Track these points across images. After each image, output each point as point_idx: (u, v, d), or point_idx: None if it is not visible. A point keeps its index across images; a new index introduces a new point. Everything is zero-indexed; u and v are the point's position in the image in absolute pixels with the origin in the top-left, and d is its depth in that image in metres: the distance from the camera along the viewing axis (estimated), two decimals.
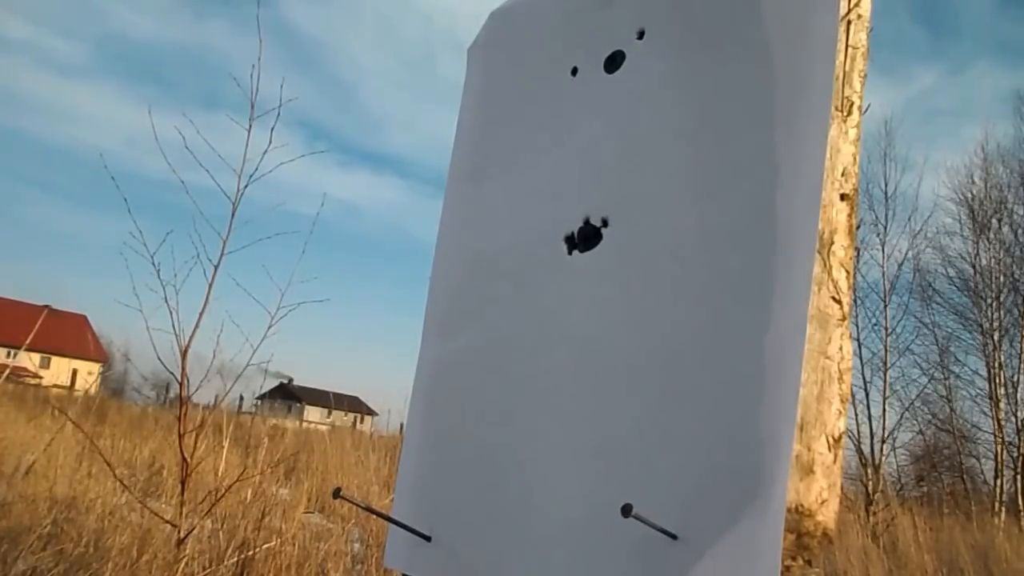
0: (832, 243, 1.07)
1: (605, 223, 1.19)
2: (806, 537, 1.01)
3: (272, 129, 3.77)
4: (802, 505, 0.99)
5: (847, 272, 1.08)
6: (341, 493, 1.21)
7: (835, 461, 1.03)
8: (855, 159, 1.12)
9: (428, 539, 1.24)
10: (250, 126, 3.72)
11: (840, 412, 1.05)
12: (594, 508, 1.04)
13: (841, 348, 1.06)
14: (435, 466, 1.30)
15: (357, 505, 1.30)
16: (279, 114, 3.79)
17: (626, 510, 0.90)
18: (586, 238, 1.21)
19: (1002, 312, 16.67)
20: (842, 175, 1.10)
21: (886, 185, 15.35)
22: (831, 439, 1.03)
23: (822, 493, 1.01)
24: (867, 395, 14.20)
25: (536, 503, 1.12)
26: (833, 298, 1.07)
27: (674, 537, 0.94)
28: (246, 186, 3.69)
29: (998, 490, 15.49)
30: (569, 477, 1.09)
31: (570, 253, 1.22)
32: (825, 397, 1.03)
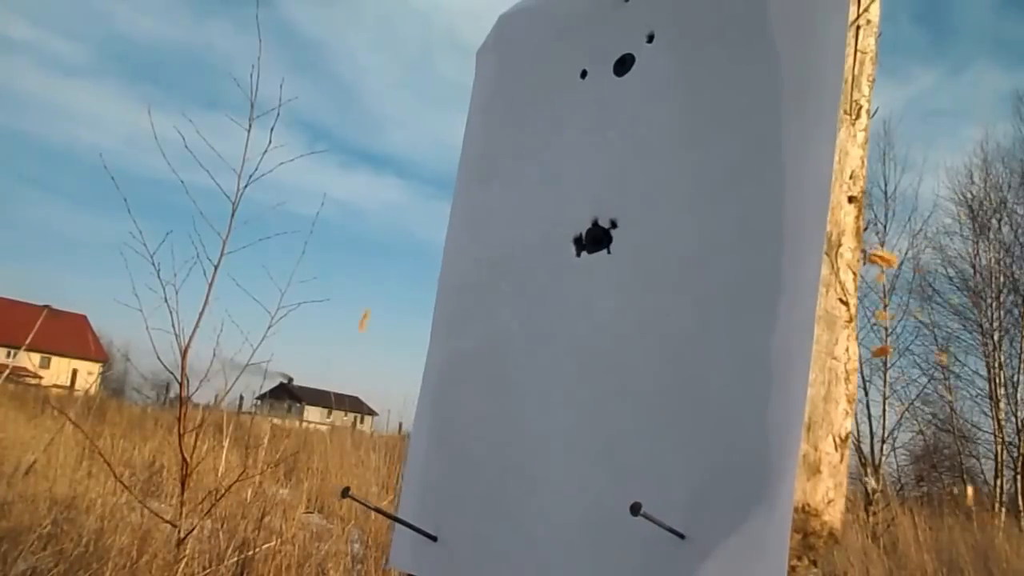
0: (840, 245, 1.08)
1: (614, 225, 1.19)
2: (812, 537, 1.01)
3: (272, 129, 3.77)
4: (808, 505, 1.00)
5: (854, 274, 1.09)
6: (350, 493, 1.22)
7: (842, 461, 1.04)
8: (863, 162, 1.12)
9: (434, 539, 1.24)
10: (250, 126, 3.73)
11: (847, 412, 1.05)
12: (601, 508, 1.04)
13: (848, 349, 1.06)
14: (442, 466, 1.30)
15: (365, 505, 1.31)
16: (279, 114, 3.80)
17: (635, 508, 0.91)
18: (595, 239, 1.21)
19: (1002, 312, 16.67)
20: (850, 178, 1.10)
21: (886, 185, 15.36)
22: (838, 439, 1.04)
23: (828, 493, 1.02)
24: (867, 395, 14.20)
25: (543, 503, 1.12)
26: (840, 300, 1.07)
27: (681, 536, 0.95)
28: (246, 186, 3.69)
29: (998, 490, 15.50)
30: (576, 477, 1.09)
31: (579, 254, 1.23)
32: (832, 397, 1.04)
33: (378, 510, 1.30)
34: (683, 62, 1.19)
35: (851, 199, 1.10)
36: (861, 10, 1.13)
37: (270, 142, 3.75)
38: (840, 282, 1.07)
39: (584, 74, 1.33)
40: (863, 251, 1.13)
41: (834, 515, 1.02)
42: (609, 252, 1.19)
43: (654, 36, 1.25)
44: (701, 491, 0.96)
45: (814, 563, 1.03)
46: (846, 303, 1.07)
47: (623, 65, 1.27)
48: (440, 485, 1.29)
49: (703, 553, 0.93)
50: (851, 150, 1.11)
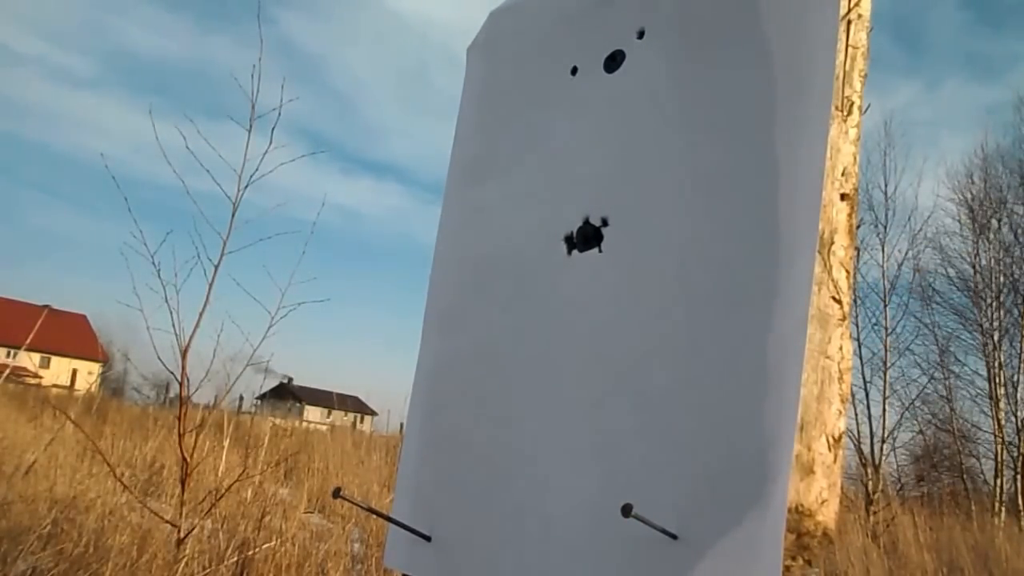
0: (832, 243, 1.07)
1: (605, 223, 1.19)
2: (806, 537, 1.01)
3: (273, 128, 3.78)
4: (802, 505, 0.99)
5: (847, 272, 1.08)
6: (341, 493, 1.21)
7: (835, 461, 1.03)
8: (855, 159, 1.12)
9: (428, 539, 1.24)
10: (251, 126, 3.73)
11: (840, 412, 1.05)
12: (594, 508, 1.04)
13: (841, 348, 1.06)
14: (435, 466, 1.30)
15: (357, 505, 1.30)
16: (280, 113, 3.80)
17: (626, 510, 0.90)
18: (585, 238, 1.21)
19: (1002, 312, 16.66)
20: (842, 175, 1.09)
21: (886, 185, 15.37)
22: (831, 439, 1.03)
23: (822, 493, 1.01)
24: (867, 395, 14.21)
25: (536, 503, 1.12)
26: (833, 298, 1.06)
27: (674, 537, 0.94)
28: (246, 186, 3.70)
29: (998, 490, 15.49)
30: (569, 477, 1.09)
31: (569, 253, 1.22)
32: (825, 397, 1.03)
33: (371, 510, 1.30)
34: (674, 59, 1.18)
35: (843, 196, 1.09)
36: (852, 4, 1.12)
37: (271, 142, 3.76)
38: (833, 280, 1.06)
39: (575, 71, 1.33)
40: (856, 249, 1.12)
41: (828, 515, 1.02)
42: (600, 251, 1.18)
43: (644, 33, 1.24)
44: (695, 491, 0.96)
45: (809, 563, 1.03)
46: (839, 301, 1.07)
47: (613, 62, 1.27)
48: (433, 485, 1.28)
49: (697, 554, 0.93)
50: (843, 147, 1.10)
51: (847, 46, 1.12)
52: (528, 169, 1.34)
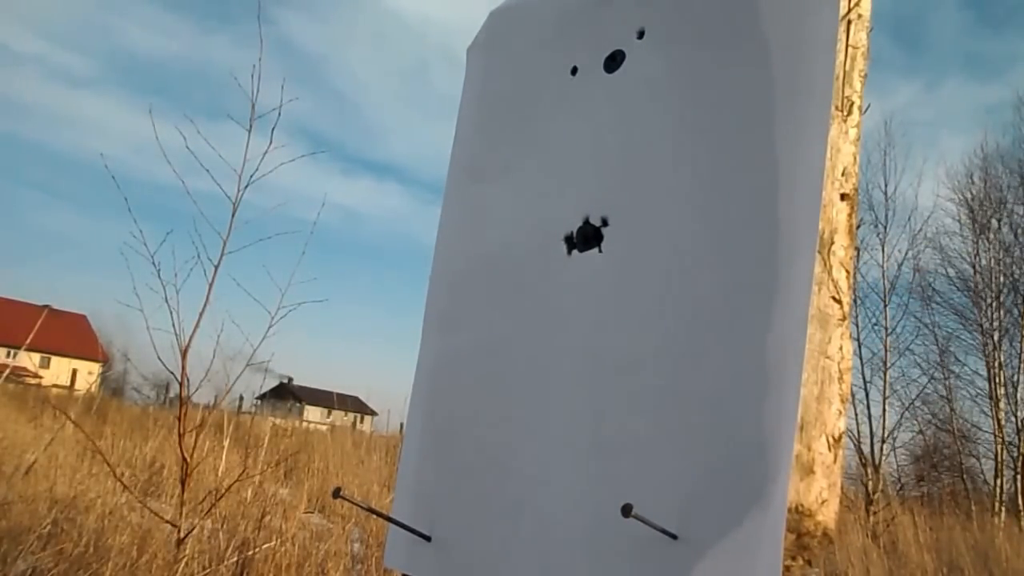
0: (832, 243, 1.07)
1: (605, 223, 1.19)
2: (806, 537, 1.01)
3: (273, 128, 3.78)
4: (802, 505, 0.99)
5: (847, 272, 1.08)
6: (341, 493, 1.21)
7: (835, 461, 1.03)
8: (855, 159, 1.12)
9: (428, 539, 1.24)
10: (251, 126, 3.73)
11: (840, 412, 1.05)
12: (594, 508, 1.04)
13: (841, 348, 1.06)
14: (435, 465, 1.30)
15: (357, 505, 1.30)
16: (280, 113, 3.80)
17: (626, 510, 0.90)
18: (585, 238, 1.21)
19: (1002, 312, 16.66)
20: (842, 175, 1.10)
21: (886, 185, 15.38)
22: (831, 439, 1.03)
23: (822, 493, 1.01)
24: (867, 395, 14.22)
25: (536, 503, 1.12)
26: (833, 298, 1.07)
27: (674, 537, 0.94)
28: (247, 186, 3.70)
29: (998, 490, 15.49)
30: (569, 477, 1.09)
31: (569, 253, 1.22)
32: (825, 397, 1.03)
33: (371, 510, 1.30)
34: (674, 58, 1.18)
35: (843, 196, 1.09)
36: (852, 4, 1.12)
37: (271, 142, 3.76)
38: (833, 280, 1.07)
39: (575, 71, 1.33)
40: (856, 249, 1.12)
41: (828, 515, 1.02)
42: (600, 251, 1.18)
43: (644, 32, 1.24)
44: (695, 491, 0.96)
45: (808, 563, 1.03)
46: (839, 301, 1.07)
47: (614, 62, 1.27)
48: (433, 485, 1.28)
49: (697, 554, 0.93)
50: (843, 147, 1.10)
51: (847, 46, 1.12)
52: (528, 169, 1.34)
